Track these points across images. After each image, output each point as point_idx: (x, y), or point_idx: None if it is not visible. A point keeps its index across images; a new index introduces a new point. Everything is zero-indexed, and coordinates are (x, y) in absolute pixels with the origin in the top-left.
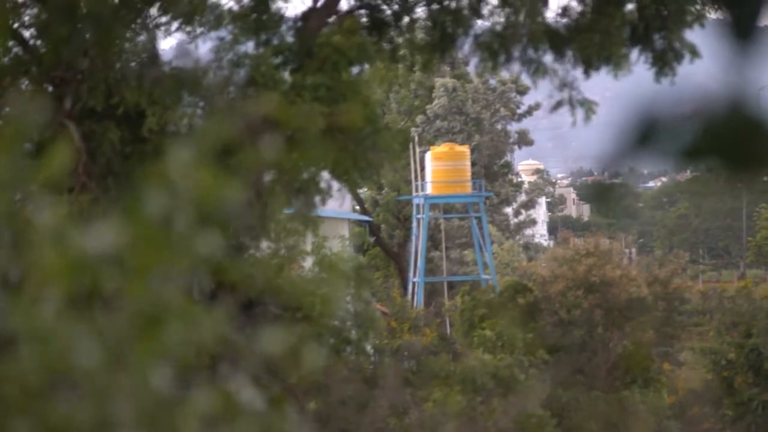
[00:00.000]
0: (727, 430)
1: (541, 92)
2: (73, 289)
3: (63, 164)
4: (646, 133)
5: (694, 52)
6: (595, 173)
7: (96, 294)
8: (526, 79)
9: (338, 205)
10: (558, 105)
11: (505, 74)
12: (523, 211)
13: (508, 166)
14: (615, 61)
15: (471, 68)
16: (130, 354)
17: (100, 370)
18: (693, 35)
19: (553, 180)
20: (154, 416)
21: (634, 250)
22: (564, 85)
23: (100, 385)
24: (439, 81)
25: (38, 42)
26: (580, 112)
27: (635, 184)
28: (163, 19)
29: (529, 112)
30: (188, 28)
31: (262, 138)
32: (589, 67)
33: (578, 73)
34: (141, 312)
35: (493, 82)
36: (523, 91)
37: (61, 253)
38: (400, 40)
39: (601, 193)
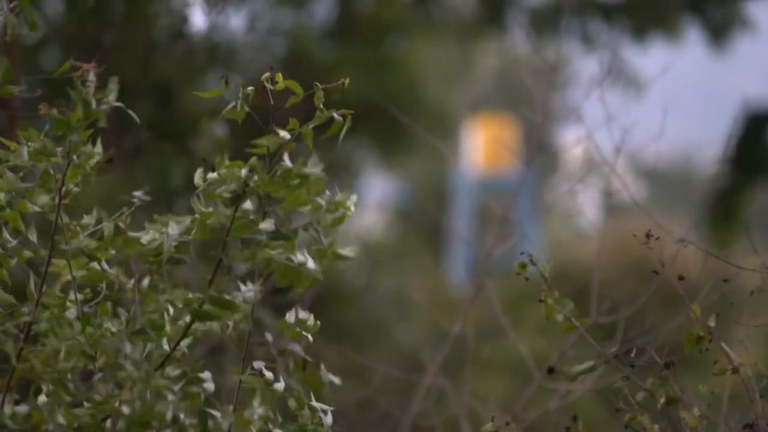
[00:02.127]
0: None
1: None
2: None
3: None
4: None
5: (752, 27)
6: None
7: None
8: (576, 51)
9: (378, 182)
10: (606, 77)
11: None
12: (571, 189)
13: (555, 141)
14: (668, 31)
15: (518, 39)
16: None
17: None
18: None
19: (605, 157)
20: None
21: (689, 231)
22: (616, 58)
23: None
24: (483, 52)
25: (64, 15)
26: (631, 89)
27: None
28: None
29: (579, 84)
30: None
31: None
32: (642, 36)
33: (633, 48)
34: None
35: (540, 53)
36: (572, 64)
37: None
38: (444, 11)
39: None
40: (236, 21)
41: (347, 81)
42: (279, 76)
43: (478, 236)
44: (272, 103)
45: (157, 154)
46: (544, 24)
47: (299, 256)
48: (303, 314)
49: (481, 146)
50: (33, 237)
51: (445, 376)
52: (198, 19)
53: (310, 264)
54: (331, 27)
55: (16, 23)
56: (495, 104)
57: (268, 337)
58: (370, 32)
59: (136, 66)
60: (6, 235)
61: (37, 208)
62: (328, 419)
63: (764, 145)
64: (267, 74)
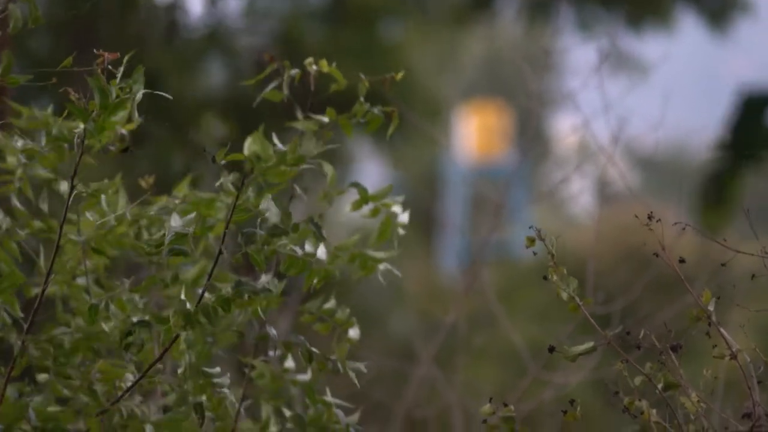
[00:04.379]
0: None
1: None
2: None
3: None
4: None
5: (750, 11)
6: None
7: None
8: (570, 36)
9: (370, 169)
10: (602, 62)
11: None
12: (565, 177)
13: (549, 129)
14: (663, 16)
15: (509, 24)
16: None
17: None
18: None
19: (600, 145)
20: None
21: (684, 219)
22: (613, 43)
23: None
24: (475, 38)
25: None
26: (634, 74)
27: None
28: None
29: (574, 71)
30: None
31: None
32: (638, 22)
33: (630, 35)
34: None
35: (532, 39)
36: (566, 50)
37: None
38: None
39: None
40: (232, 4)
41: (399, 75)
42: (323, 63)
43: (471, 224)
44: (312, 89)
45: (155, 142)
46: (538, 10)
47: (307, 247)
48: (330, 304)
49: (474, 133)
50: (44, 206)
51: (438, 365)
52: (194, 4)
53: (321, 254)
54: (323, 12)
55: (19, 16)
56: (487, 91)
57: (271, 331)
58: (362, 18)
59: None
60: (16, 202)
61: (47, 174)
62: (354, 417)
63: (761, 128)
64: (310, 59)
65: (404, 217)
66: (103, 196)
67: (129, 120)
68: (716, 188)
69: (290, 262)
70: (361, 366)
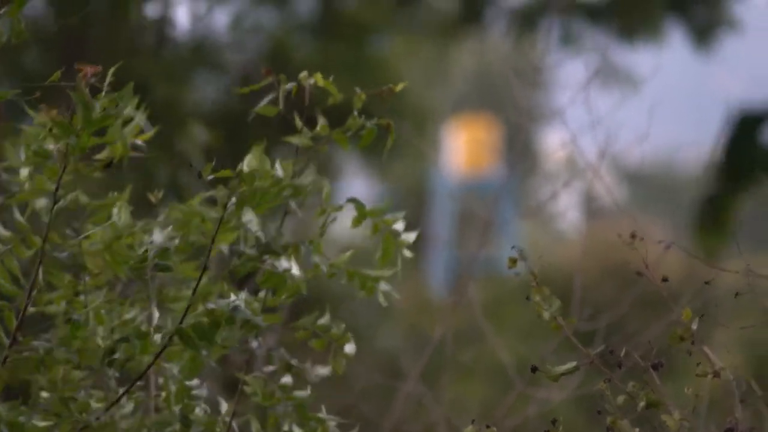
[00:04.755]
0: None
1: (577, 66)
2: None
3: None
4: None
5: (738, 27)
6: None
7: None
8: (559, 52)
9: (361, 183)
10: (591, 77)
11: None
12: (553, 192)
13: (537, 144)
14: (652, 32)
15: (498, 39)
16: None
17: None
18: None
19: (588, 160)
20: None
21: (671, 234)
22: (601, 58)
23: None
24: (464, 52)
25: (47, 11)
26: (625, 88)
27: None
28: None
29: (563, 86)
30: None
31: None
32: (627, 37)
33: (619, 50)
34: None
35: (521, 54)
36: (554, 65)
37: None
38: (425, 11)
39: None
40: (219, 19)
41: (397, 86)
42: (318, 77)
43: (459, 239)
44: (307, 103)
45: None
46: (526, 24)
47: (284, 263)
48: (324, 319)
49: (462, 148)
50: (45, 219)
51: (425, 381)
52: (182, 18)
53: (295, 271)
54: (312, 26)
55: (2, 31)
56: (476, 105)
57: (253, 344)
58: (351, 32)
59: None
60: (18, 215)
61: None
62: None
63: (756, 147)
64: (305, 72)
65: (410, 237)
66: (114, 210)
67: (141, 132)
68: (711, 211)
69: (267, 277)
70: (325, 371)
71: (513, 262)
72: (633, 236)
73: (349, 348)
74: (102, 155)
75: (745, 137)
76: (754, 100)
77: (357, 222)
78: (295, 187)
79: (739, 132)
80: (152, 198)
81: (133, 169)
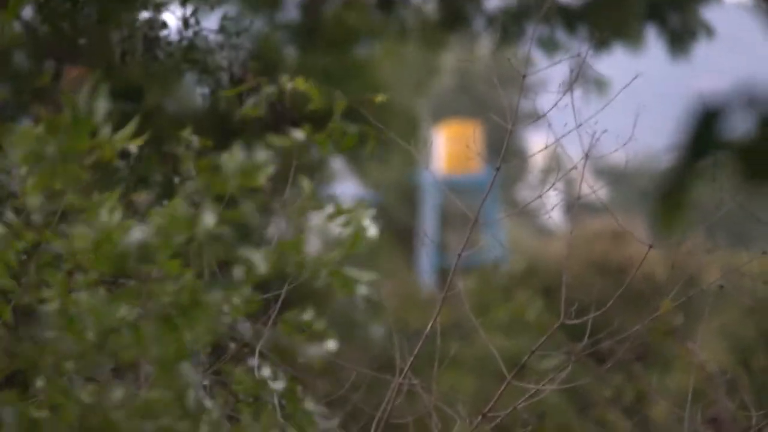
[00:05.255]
0: (747, 413)
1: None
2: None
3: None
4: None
5: (709, 32)
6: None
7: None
8: (539, 57)
9: (347, 186)
10: (572, 81)
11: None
12: (535, 192)
13: (520, 146)
14: (630, 38)
15: (481, 46)
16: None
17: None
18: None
19: (569, 160)
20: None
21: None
22: (579, 62)
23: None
24: (447, 59)
25: (37, 18)
26: (594, 91)
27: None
28: None
29: (544, 90)
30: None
31: (281, 119)
32: (604, 43)
33: (595, 53)
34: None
35: (503, 59)
36: (535, 70)
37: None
38: (408, 17)
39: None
40: (208, 24)
41: (379, 97)
42: (299, 81)
43: (446, 237)
44: (289, 106)
45: (134, 158)
46: (508, 29)
47: (245, 251)
48: (308, 315)
49: (448, 149)
50: (37, 218)
51: (416, 375)
52: (172, 23)
53: (257, 259)
54: (297, 32)
55: None
56: (462, 108)
57: (243, 327)
58: (336, 38)
59: (109, 69)
60: (11, 213)
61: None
62: (333, 423)
63: (712, 135)
64: (287, 76)
65: (373, 231)
66: (101, 211)
67: (135, 135)
68: (670, 190)
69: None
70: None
71: (495, 266)
72: (615, 235)
73: (331, 343)
74: (91, 158)
75: (703, 126)
76: (715, 95)
77: (332, 217)
78: (243, 172)
79: (699, 121)
80: (138, 199)
81: (124, 169)
